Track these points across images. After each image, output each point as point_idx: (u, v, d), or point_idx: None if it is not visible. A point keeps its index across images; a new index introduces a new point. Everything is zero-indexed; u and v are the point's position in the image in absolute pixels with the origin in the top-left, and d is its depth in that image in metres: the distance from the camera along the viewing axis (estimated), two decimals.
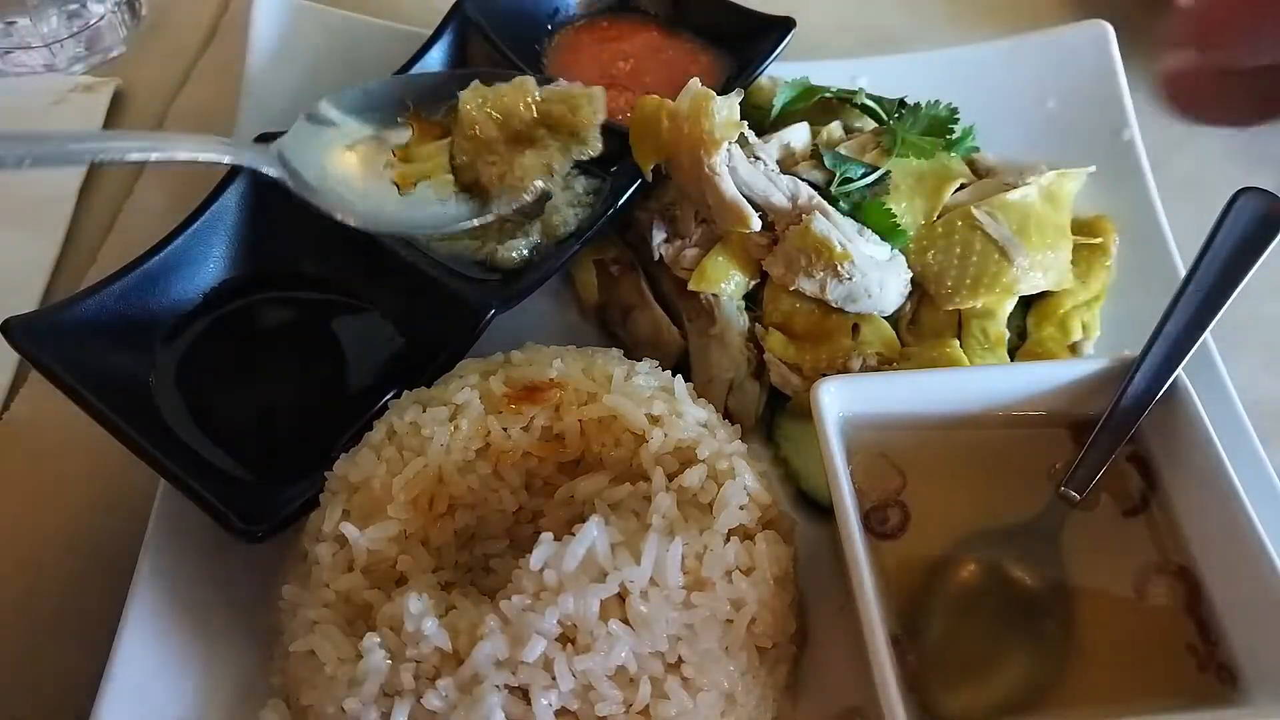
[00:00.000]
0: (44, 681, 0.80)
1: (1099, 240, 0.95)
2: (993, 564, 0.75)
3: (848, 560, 0.70)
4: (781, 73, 1.04)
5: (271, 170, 0.82)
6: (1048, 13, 1.23)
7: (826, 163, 0.90)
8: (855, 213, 0.88)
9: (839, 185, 0.89)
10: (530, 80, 0.88)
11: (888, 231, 0.88)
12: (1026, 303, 0.92)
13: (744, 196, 0.86)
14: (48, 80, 1.19)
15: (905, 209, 0.90)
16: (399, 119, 0.90)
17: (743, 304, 0.90)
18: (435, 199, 0.87)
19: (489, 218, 0.86)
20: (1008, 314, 0.90)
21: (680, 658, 0.68)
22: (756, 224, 0.86)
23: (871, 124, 0.99)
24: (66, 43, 1.20)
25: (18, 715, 0.79)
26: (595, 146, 0.87)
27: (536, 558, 0.67)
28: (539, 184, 0.85)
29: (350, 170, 0.86)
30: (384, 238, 0.90)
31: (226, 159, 0.80)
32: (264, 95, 1.05)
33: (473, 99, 0.86)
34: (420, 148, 0.90)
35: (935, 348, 0.87)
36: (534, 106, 0.85)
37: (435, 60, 1.03)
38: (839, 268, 0.83)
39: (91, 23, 1.21)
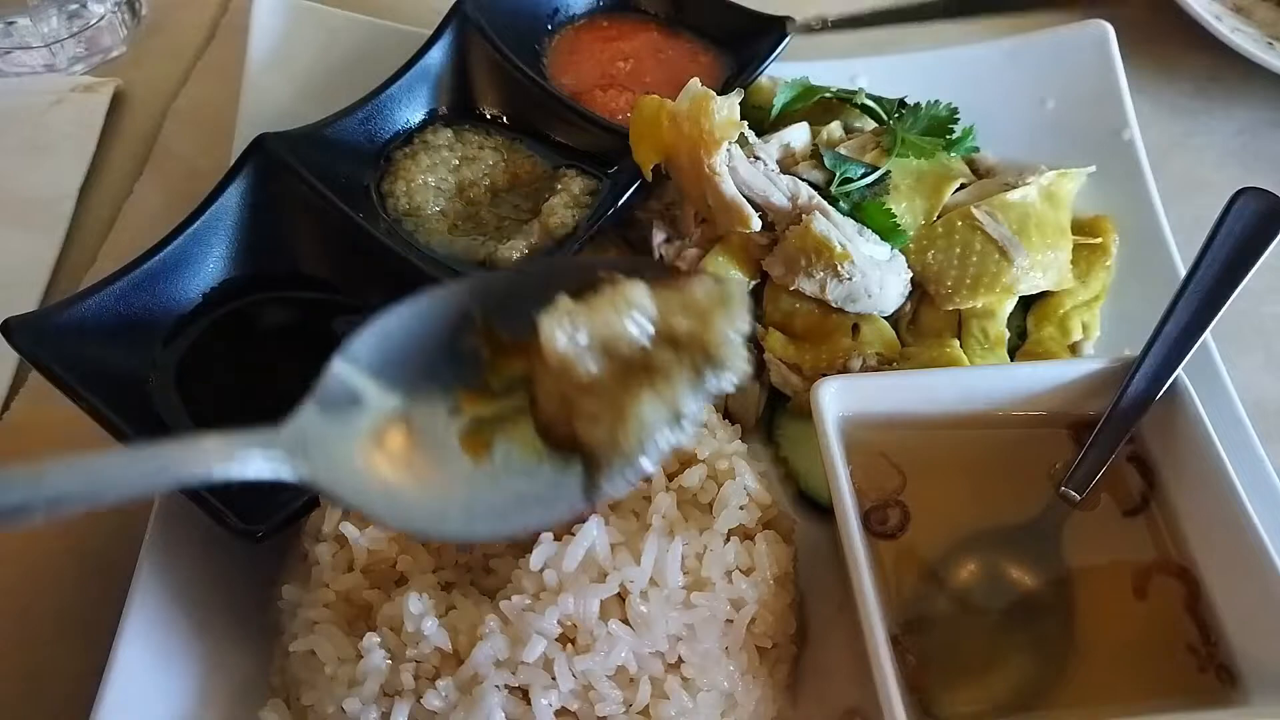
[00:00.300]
0: (44, 682, 0.80)
1: (1099, 240, 0.95)
2: (992, 564, 0.75)
3: (847, 560, 0.70)
4: (781, 73, 1.04)
5: (287, 474, 0.56)
6: (1043, 18, 1.23)
7: (826, 163, 0.90)
8: (855, 213, 0.88)
9: (839, 185, 0.89)
10: (637, 288, 0.59)
11: (888, 231, 0.88)
12: (1026, 303, 0.92)
13: (744, 196, 0.86)
14: (47, 80, 1.19)
15: (905, 209, 0.90)
16: (462, 343, 0.61)
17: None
18: (521, 469, 0.60)
19: (596, 498, 0.59)
20: (1008, 314, 0.90)
21: (680, 658, 0.68)
22: (756, 224, 0.86)
23: (871, 124, 0.99)
24: (66, 43, 1.20)
25: (18, 716, 0.79)
26: (739, 368, 0.60)
27: (536, 558, 0.67)
28: (663, 442, 0.58)
29: (397, 460, 0.58)
30: (383, 236, 0.90)
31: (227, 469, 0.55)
32: (264, 95, 1.05)
33: (558, 325, 0.57)
34: (498, 380, 0.61)
35: (935, 348, 0.87)
36: (647, 324, 0.59)
37: (436, 61, 1.03)
38: (839, 268, 0.83)
39: (91, 23, 1.21)
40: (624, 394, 0.57)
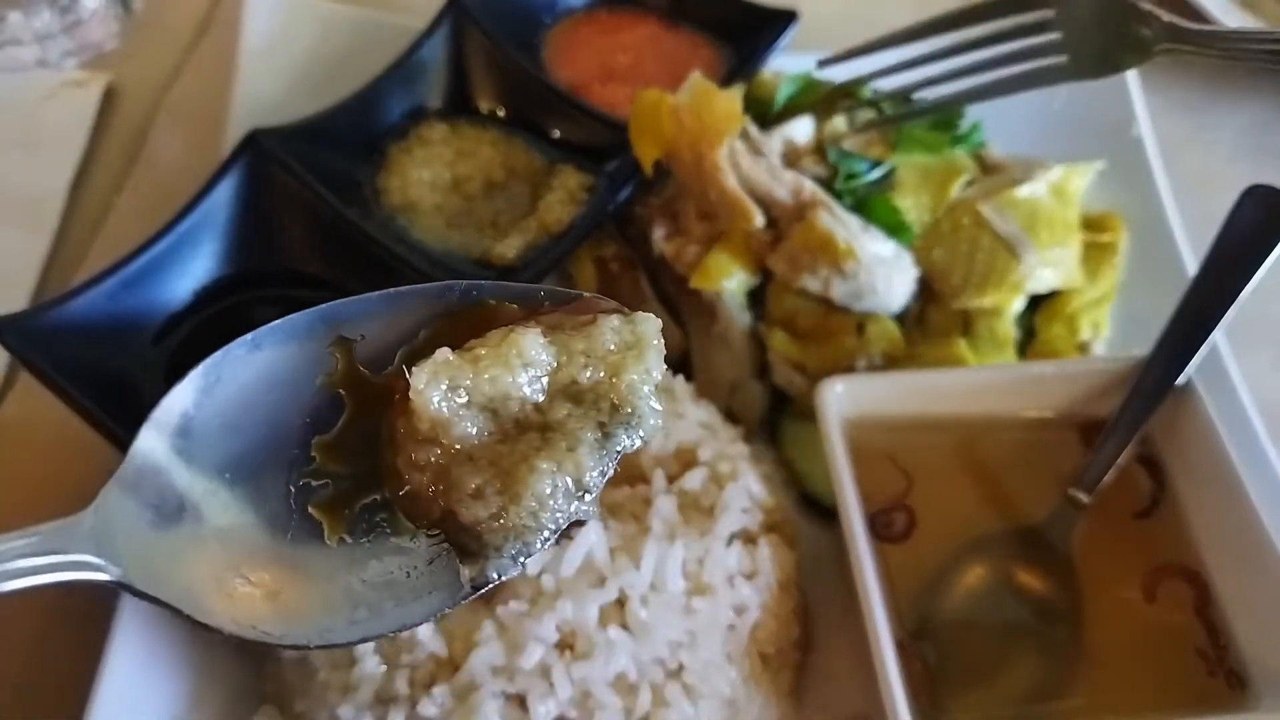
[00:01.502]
0: (34, 688, 0.79)
1: (1108, 237, 0.94)
2: (1000, 567, 0.74)
3: (852, 564, 0.69)
4: (785, 66, 1.02)
5: (97, 577, 0.45)
6: None
7: (831, 158, 0.89)
8: (860, 209, 0.87)
9: (844, 181, 0.88)
10: (530, 338, 0.48)
11: (893, 228, 0.86)
12: (1034, 301, 0.91)
13: (746, 192, 0.85)
14: (38, 76, 1.18)
15: (911, 205, 0.88)
16: (321, 374, 0.49)
17: (745, 302, 0.89)
18: (390, 547, 0.49)
19: (481, 586, 0.48)
20: (1016, 313, 0.88)
21: (681, 664, 0.67)
22: (759, 220, 0.84)
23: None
24: (58, 37, 1.18)
25: (11, 719, 0.78)
26: (651, 423, 0.49)
27: (534, 562, 0.66)
28: (561, 518, 0.47)
29: (233, 545, 0.47)
30: (376, 233, 0.88)
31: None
32: (257, 89, 1.04)
33: (433, 383, 0.46)
34: (356, 432, 0.49)
35: (942, 347, 0.86)
36: (542, 379, 0.48)
37: (431, 54, 1.01)
38: (843, 265, 0.82)
39: (83, 18, 1.19)
40: (513, 462, 0.46)
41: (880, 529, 0.75)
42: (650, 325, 0.49)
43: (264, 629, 0.46)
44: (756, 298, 0.90)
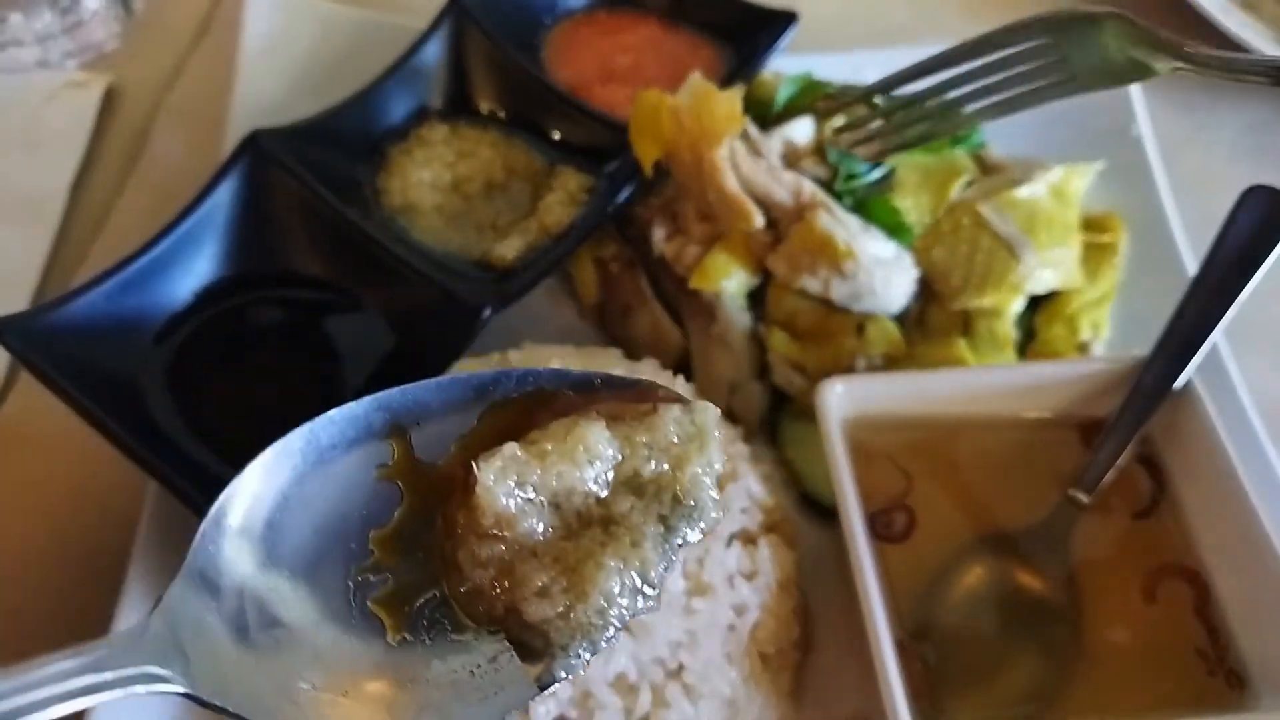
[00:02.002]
0: None
1: (1108, 238, 0.94)
2: (1000, 568, 0.74)
3: (852, 564, 0.69)
4: (785, 66, 1.02)
5: (162, 688, 0.43)
6: (1056, 6, 1.22)
7: (831, 158, 0.89)
8: (860, 210, 0.87)
9: (843, 182, 0.88)
10: (595, 430, 0.47)
11: (893, 228, 0.86)
12: (1034, 302, 0.91)
13: (746, 193, 0.85)
14: (39, 77, 1.18)
15: (910, 206, 0.88)
16: (378, 465, 0.48)
17: (745, 303, 0.89)
18: (452, 645, 0.47)
19: (549, 684, 0.46)
20: (1016, 313, 0.88)
21: (681, 664, 0.67)
22: (759, 221, 0.84)
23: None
24: (59, 38, 1.18)
25: None
26: (711, 515, 0.48)
27: None
28: (628, 614, 0.45)
29: (296, 648, 0.45)
30: (377, 233, 0.88)
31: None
32: (257, 90, 1.04)
33: (500, 478, 0.46)
34: (413, 525, 0.48)
35: (942, 347, 0.86)
36: (607, 473, 0.47)
37: (432, 55, 1.01)
38: (842, 265, 0.82)
39: (84, 18, 1.19)
40: (578, 559, 0.45)
41: (880, 529, 0.75)
42: (710, 415, 0.48)
43: None
44: (756, 298, 0.90)
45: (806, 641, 0.77)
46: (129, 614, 0.73)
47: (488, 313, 0.83)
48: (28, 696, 0.40)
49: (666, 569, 0.46)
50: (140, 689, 0.42)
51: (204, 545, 0.45)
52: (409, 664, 0.46)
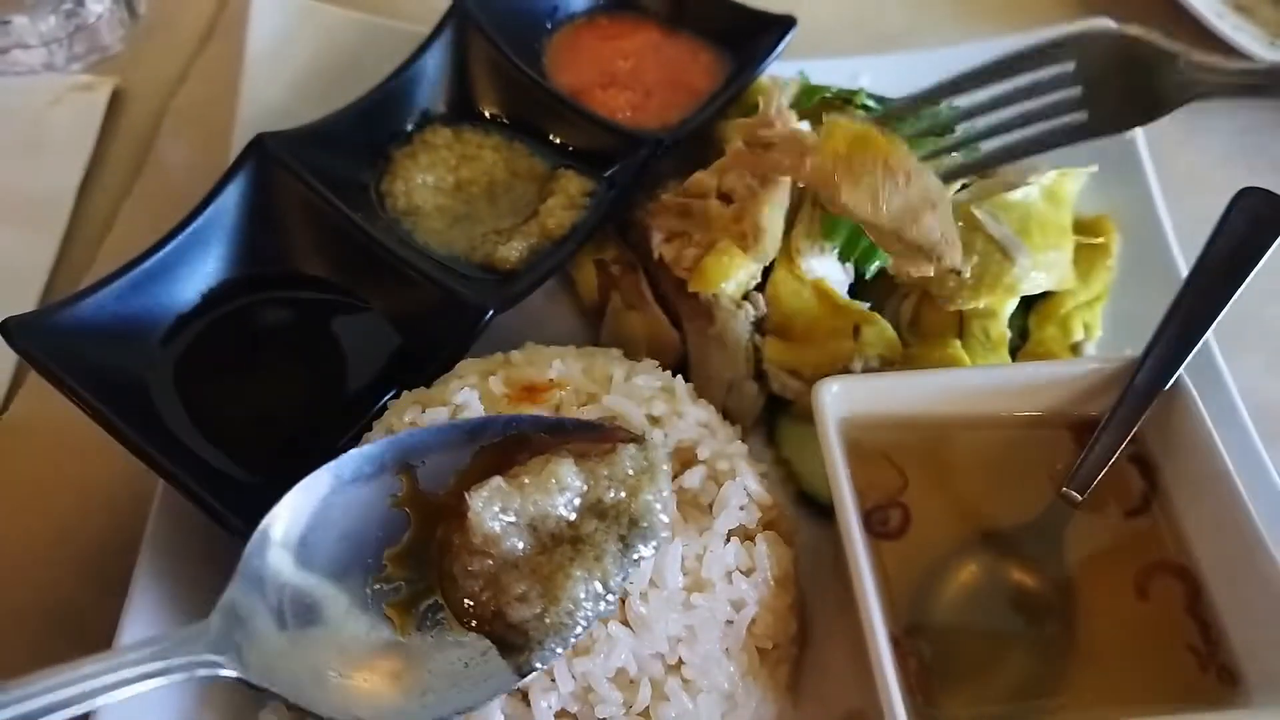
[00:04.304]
0: None
1: (1100, 240, 0.95)
2: (994, 565, 0.75)
3: (849, 561, 0.70)
4: (782, 72, 1.03)
5: (224, 673, 0.55)
6: (1050, 11, 1.23)
7: None
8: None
9: None
10: (565, 465, 0.61)
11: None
12: (1028, 303, 0.92)
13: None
14: (45, 80, 1.19)
15: None
16: (390, 495, 0.60)
17: (745, 309, 0.89)
18: (450, 640, 0.59)
19: (528, 674, 0.59)
20: (1009, 314, 0.89)
21: (680, 659, 0.67)
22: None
23: None
24: (64, 41, 1.19)
25: None
26: (662, 533, 0.62)
27: None
28: (592, 615, 0.59)
29: (325, 641, 0.56)
30: (381, 236, 0.89)
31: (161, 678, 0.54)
32: (262, 94, 1.05)
33: (487, 506, 0.58)
34: (419, 543, 0.60)
35: (937, 348, 0.87)
36: (575, 501, 0.60)
37: (435, 59, 1.02)
38: (893, 165, 0.73)
39: (89, 21, 1.20)
40: (550, 570, 0.57)
41: (876, 526, 0.76)
42: (660, 452, 0.62)
43: (358, 714, 0.55)
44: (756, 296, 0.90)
45: (803, 637, 0.78)
46: (137, 612, 0.73)
47: (491, 314, 0.84)
48: (116, 675, 0.51)
49: (624, 579, 0.58)
50: (202, 673, 0.53)
51: (252, 555, 0.55)
52: (415, 656, 0.57)
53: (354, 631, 0.57)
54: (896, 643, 0.69)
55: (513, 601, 0.57)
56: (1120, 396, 0.77)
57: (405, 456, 0.61)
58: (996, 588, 0.74)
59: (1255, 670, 0.69)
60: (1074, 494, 0.76)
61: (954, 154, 0.94)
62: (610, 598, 0.58)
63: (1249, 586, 0.70)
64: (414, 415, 0.76)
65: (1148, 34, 0.73)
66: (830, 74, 1.02)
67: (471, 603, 0.57)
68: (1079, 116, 0.76)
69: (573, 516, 0.59)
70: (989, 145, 0.81)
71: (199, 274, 0.88)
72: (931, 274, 0.78)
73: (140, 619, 0.74)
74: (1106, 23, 1.09)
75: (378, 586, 0.57)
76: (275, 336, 0.89)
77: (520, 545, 0.57)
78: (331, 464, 0.59)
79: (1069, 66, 0.76)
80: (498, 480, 0.58)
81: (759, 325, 0.90)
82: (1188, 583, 0.74)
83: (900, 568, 0.74)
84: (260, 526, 0.57)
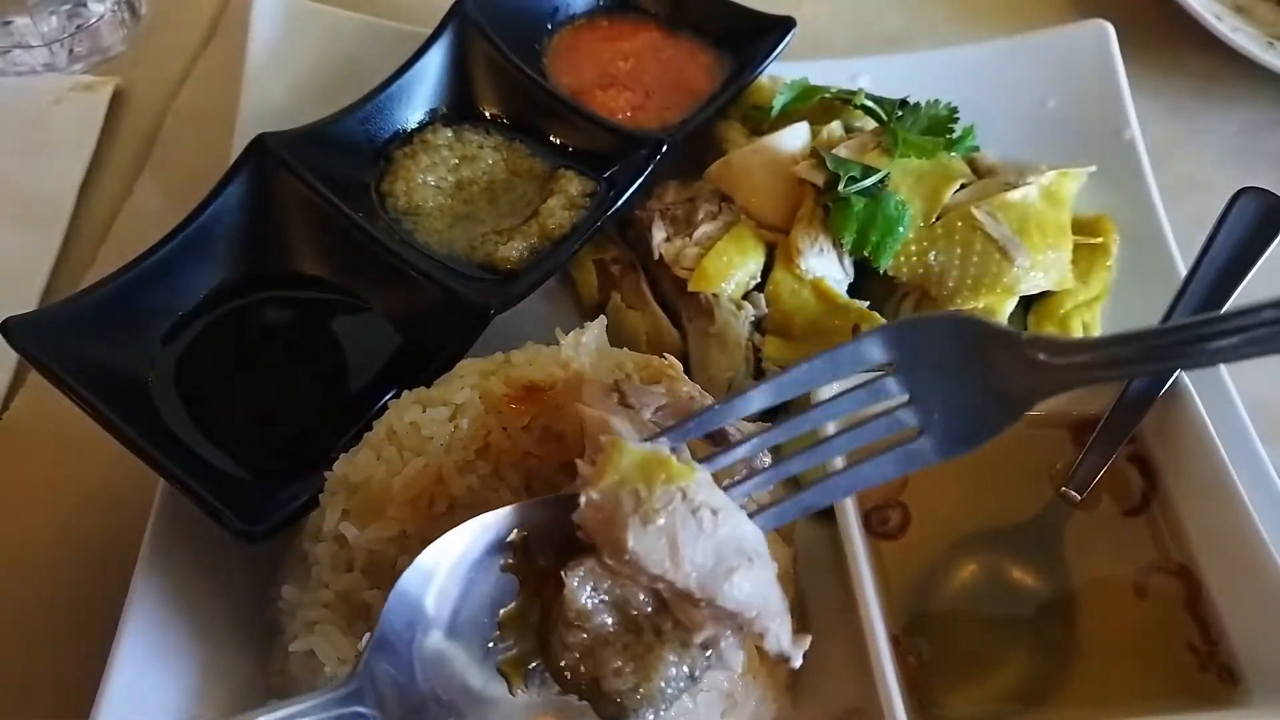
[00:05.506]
0: (43, 681, 0.80)
1: (1100, 240, 0.95)
2: (993, 564, 0.75)
3: (848, 560, 0.70)
4: (781, 72, 1.04)
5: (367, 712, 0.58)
6: (1048, 12, 1.23)
7: (827, 164, 0.90)
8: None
9: (846, 184, 0.89)
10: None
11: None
12: (1027, 303, 0.92)
13: None
14: (47, 80, 1.19)
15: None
16: (503, 559, 0.63)
17: (745, 308, 0.90)
18: (557, 700, 0.62)
19: None
20: (1008, 314, 0.89)
21: None
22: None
23: (872, 124, 0.98)
24: (66, 41, 1.20)
25: (16, 715, 0.79)
26: (734, 664, 0.63)
27: None
28: (677, 694, 0.61)
29: (450, 692, 0.60)
30: (382, 236, 0.89)
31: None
32: (263, 94, 1.05)
33: (582, 583, 0.60)
34: (528, 609, 0.62)
35: None
36: (654, 589, 0.61)
37: (435, 60, 1.03)
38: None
39: (91, 22, 1.21)
40: (642, 649, 0.61)
41: (875, 525, 0.76)
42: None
43: None
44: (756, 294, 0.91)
45: None
46: (137, 612, 0.74)
47: (491, 314, 0.84)
48: None
49: (707, 667, 0.62)
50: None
51: (389, 614, 0.60)
52: (525, 711, 0.62)
53: (474, 684, 0.61)
54: (896, 641, 0.69)
55: (609, 674, 0.61)
56: (1119, 396, 0.78)
57: (518, 526, 0.64)
58: (996, 587, 0.75)
59: (1255, 670, 0.69)
60: (1073, 493, 0.77)
61: (952, 154, 0.95)
62: (695, 678, 0.61)
63: (1248, 586, 0.70)
64: (414, 415, 0.76)
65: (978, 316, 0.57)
66: (830, 74, 1.02)
67: (569, 670, 0.62)
68: (920, 445, 0.60)
69: (649, 609, 0.61)
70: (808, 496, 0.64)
71: (199, 274, 0.88)
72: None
73: (140, 619, 0.74)
74: (1101, 23, 1.09)
75: (493, 644, 0.61)
76: (275, 336, 0.90)
77: (609, 621, 0.61)
78: (451, 532, 0.62)
79: (892, 384, 0.59)
80: (592, 560, 0.61)
81: (759, 324, 0.90)
82: (1187, 582, 0.74)
83: (899, 567, 0.74)
84: (394, 587, 0.60)
